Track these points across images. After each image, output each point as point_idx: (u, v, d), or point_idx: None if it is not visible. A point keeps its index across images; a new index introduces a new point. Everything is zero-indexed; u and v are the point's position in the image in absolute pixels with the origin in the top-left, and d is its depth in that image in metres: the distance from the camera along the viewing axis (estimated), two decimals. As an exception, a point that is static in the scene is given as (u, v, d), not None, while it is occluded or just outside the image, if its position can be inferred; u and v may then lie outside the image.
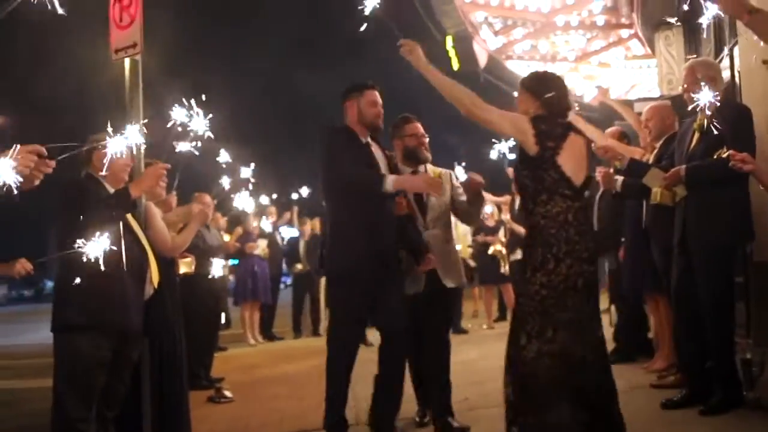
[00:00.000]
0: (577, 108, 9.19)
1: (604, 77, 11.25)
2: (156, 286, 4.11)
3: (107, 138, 4.24)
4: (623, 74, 11.18)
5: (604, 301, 8.40)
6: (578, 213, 3.66)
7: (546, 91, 3.79)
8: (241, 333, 10.89)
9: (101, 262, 3.22)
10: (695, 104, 4.30)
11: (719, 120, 4.38)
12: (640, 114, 7.52)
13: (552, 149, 3.67)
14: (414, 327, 4.61)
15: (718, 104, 4.31)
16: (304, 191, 12.90)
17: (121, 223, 3.77)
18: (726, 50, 6.61)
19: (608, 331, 7.09)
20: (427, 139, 4.83)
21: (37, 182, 2.82)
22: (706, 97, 4.15)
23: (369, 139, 4.58)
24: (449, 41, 10.28)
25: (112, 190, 4.00)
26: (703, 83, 4.42)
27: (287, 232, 12.53)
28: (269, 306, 11.31)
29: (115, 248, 3.46)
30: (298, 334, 11.57)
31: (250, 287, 10.57)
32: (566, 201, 3.64)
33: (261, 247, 10.65)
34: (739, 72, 6.09)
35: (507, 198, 10.53)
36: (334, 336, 4.50)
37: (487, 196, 10.90)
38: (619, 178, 5.10)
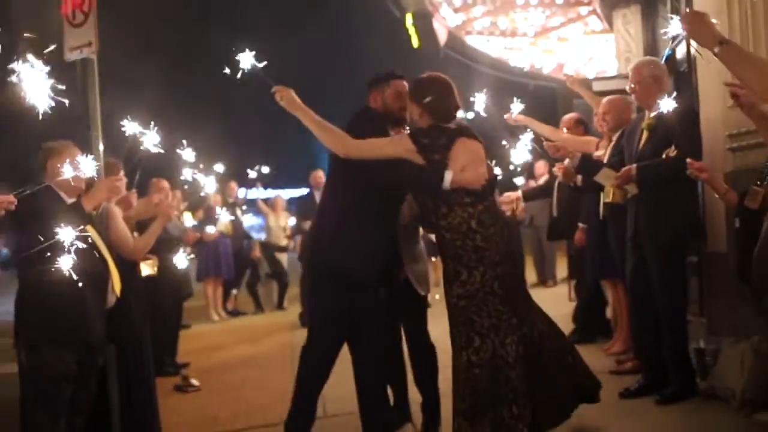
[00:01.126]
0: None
1: (563, 51, 11.33)
2: (119, 294, 4.09)
3: (62, 146, 4.22)
4: (581, 48, 11.25)
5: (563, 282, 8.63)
6: (482, 216, 3.71)
7: (424, 95, 3.83)
8: (204, 305, 10.89)
9: (58, 277, 3.24)
10: (657, 113, 4.44)
11: (666, 119, 4.50)
12: (599, 93, 7.65)
13: (439, 162, 3.69)
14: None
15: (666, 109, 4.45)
16: (265, 169, 12.78)
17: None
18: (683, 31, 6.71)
19: (568, 309, 7.33)
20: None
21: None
22: (666, 105, 4.29)
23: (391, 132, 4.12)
24: (409, 19, 10.24)
25: (68, 200, 3.95)
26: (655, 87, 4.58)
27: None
28: (230, 281, 11.29)
29: (72, 262, 3.47)
30: (260, 310, 11.60)
31: (213, 264, 10.56)
32: (466, 209, 3.69)
33: (223, 223, 10.57)
34: (696, 53, 6.20)
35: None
36: (314, 346, 4.14)
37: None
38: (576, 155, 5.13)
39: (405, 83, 4.12)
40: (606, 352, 5.95)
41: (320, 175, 10.17)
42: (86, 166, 3.96)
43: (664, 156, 4.47)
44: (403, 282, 4.23)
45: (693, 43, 3.11)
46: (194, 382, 6.48)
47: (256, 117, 29.57)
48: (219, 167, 8.30)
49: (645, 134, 4.67)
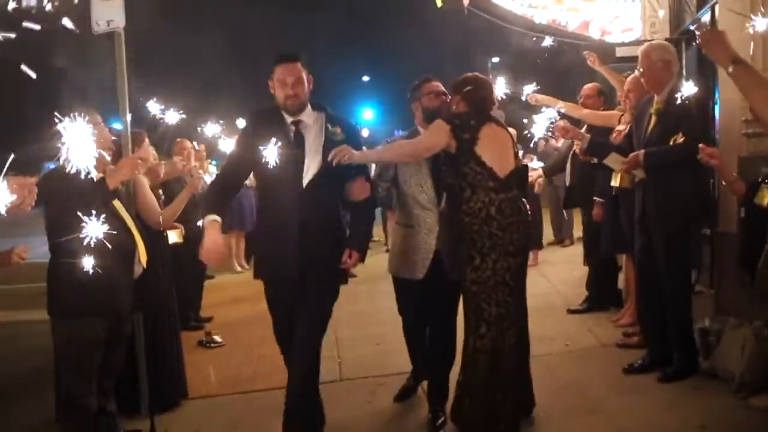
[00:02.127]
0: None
1: (588, 9, 11.16)
2: (145, 265, 4.28)
3: (93, 117, 4.38)
4: (606, 6, 11.08)
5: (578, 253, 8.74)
6: (502, 206, 3.88)
7: (464, 86, 4.10)
8: (227, 256, 11.06)
9: (87, 250, 3.44)
10: (666, 97, 4.50)
11: (674, 104, 4.55)
12: (623, 60, 7.64)
13: (468, 141, 3.91)
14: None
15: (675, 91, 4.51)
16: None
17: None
18: (709, 3, 6.66)
19: (581, 272, 7.49)
20: (449, 98, 4.28)
21: (28, 208, 2.99)
22: (687, 90, 4.44)
23: None
24: (433, -22, 10.16)
25: (95, 175, 4.11)
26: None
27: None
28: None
29: (99, 234, 3.68)
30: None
31: (237, 218, 10.76)
32: (489, 194, 3.87)
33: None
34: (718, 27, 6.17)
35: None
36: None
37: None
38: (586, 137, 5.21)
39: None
40: (614, 324, 6.11)
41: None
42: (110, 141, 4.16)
43: (671, 142, 4.54)
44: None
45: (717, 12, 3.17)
46: (217, 338, 6.72)
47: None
48: (241, 123, 8.46)
49: (653, 119, 4.72)
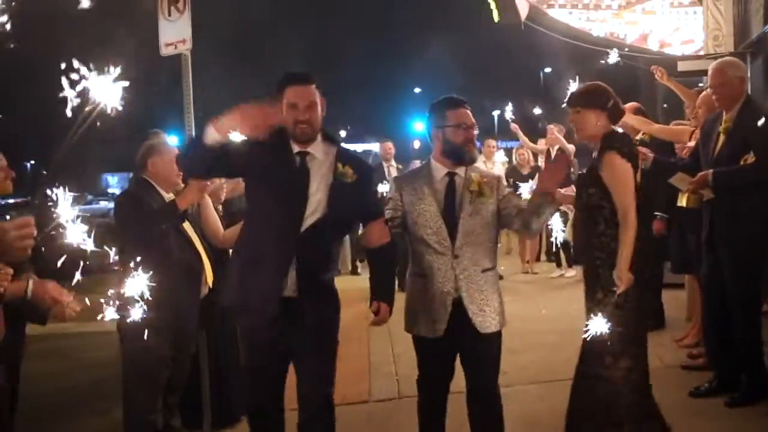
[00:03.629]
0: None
1: (647, 23, 11.05)
2: (211, 285, 4.37)
3: (162, 139, 4.52)
4: (666, 19, 10.95)
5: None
6: (640, 233, 3.69)
7: (606, 100, 3.81)
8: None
9: (157, 270, 3.53)
10: (736, 116, 4.40)
11: (745, 122, 4.45)
12: (684, 74, 7.50)
13: (634, 170, 3.76)
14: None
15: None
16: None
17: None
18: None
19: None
20: (477, 132, 3.75)
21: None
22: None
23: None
24: (490, -6, 10.19)
25: (165, 195, 4.22)
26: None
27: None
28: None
29: (168, 255, 3.79)
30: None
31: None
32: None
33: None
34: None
35: (544, 147, 10.61)
36: None
37: (524, 141, 10.95)
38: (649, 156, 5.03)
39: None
40: (678, 344, 5.99)
41: (390, 147, 10.30)
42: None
43: (742, 162, 4.44)
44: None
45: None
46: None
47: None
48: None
49: (722, 137, 4.63)
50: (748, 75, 7.62)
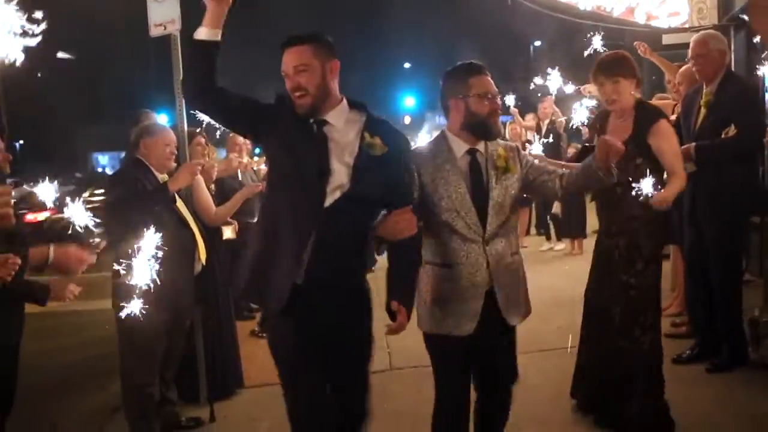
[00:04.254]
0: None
1: (635, -6, 11.05)
2: (204, 263, 4.46)
3: (153, 119, 4.58)
4: (653, -9, 10.95)
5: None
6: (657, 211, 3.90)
7: (636, 70, 3.95)
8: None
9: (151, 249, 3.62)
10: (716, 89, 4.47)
11: (726, 95, 4.53)
12: (670, 47, 7.57)
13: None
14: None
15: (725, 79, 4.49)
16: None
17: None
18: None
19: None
20: (500, 102, 3.35)
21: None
22: None
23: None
24: (477, -31, 10.20)
25: (159, 175, 4.30)
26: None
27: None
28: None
29: (162, 234, 3.87)
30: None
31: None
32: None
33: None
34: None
35: (532, 122, 10.69)
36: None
37: (518, 120, 11.03)
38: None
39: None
40: (662, 313, 6.11)
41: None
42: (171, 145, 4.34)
43: (723, 135, 4.53)
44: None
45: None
46: (269, 327, 6.89)
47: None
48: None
49: (703, 111, 4.71)
50: (731, 48, 7.71)
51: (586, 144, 4.42)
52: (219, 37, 2.85)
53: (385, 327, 2.94)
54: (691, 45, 4.82)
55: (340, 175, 2.90)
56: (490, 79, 3.27)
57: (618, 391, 3.97)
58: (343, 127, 2.98)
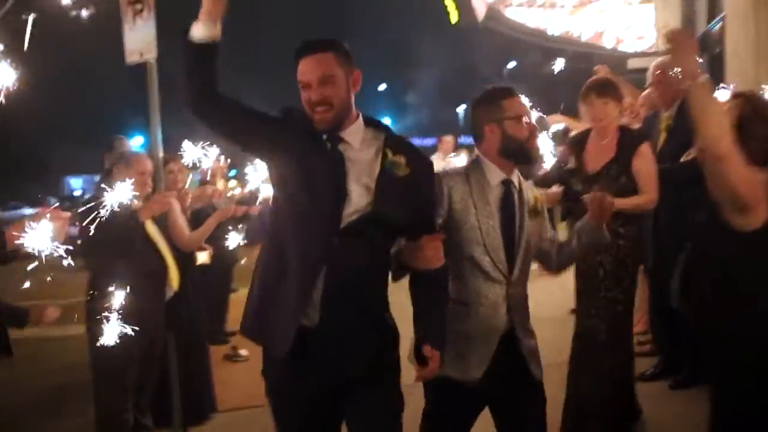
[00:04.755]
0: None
1: (602, 20, 11.35)
2: (176, 289, 4.52)
3: (127, 146, 4.64)
4: (619, 16, 11.27)
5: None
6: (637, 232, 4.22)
7: (622, 96, 4.25)
8: (249, 264, 11.28)
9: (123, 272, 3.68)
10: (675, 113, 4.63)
11: (686, 119, 4.67)
12: (636, 71, 7.78)
13: None
14: None
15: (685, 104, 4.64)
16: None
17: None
18: (719, 15, 6.81)
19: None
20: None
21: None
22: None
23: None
24: (448, -5, 10.43)
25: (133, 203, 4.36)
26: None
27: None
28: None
29: (133, 260, 3.93)
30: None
31: (261, 231, 10.96)
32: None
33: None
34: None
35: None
36: None
37: None
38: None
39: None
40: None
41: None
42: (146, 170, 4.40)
43: (684, 158, 4.66)
44: None
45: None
46: (242, 352, 6.95)
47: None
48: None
49: (663, 135, 4.85)
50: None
51: (562, 164, 4.56)
52: (218, 33, 2.47)
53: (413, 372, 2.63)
54: (650, 70, 4.97)
55: (358, 198, 2.58)
56: (521, 100, 3.07)
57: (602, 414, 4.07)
58: (359, 147, 2.66)
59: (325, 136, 2.64)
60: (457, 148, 11.96)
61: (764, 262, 2.62)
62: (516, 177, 3.06)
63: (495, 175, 3.01)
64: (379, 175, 2.60)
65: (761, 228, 2.59)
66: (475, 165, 3.09)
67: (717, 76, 6.38)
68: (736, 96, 2.96)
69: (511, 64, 26.59)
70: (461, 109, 40.60)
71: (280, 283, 2.60)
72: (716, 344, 2.79)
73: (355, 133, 2.67)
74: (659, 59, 5.19)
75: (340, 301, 2.56)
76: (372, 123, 2.75)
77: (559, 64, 5.73)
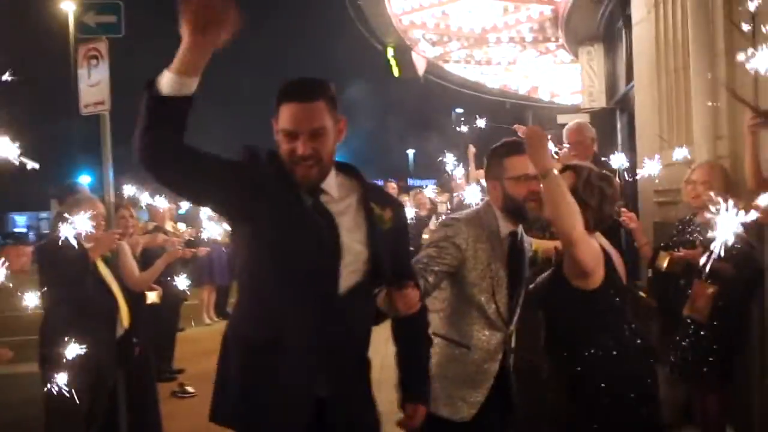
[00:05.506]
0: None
1: (536, 76, 12.06)
2: (126, 326, 4.80)
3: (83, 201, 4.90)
4: (552, 74, 11.97)
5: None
6: None
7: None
8: (197, 306, 11.61)
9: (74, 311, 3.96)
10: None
11: None
12: (563, 126, 8.38)
13: None
14: None
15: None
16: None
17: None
18: (631, 83, 7.45)
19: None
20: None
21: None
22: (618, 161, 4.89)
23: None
24: (390, 51, 10.93)
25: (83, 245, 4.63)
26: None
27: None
28: (225, 286, 11.99)
29: (85, 298, 4.22)
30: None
31: (208, 272, 11.27)
32: None
33: (219, 233, 11.16)
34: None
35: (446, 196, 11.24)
36: None
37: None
38: None
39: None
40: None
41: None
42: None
43: None
44: None
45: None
46: (189, 389, 7.21)
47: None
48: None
49: None
50: (618, 127, 8.59)
51: None
52: (194, 89, 2.07)
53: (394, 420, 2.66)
54: (566, 133, 5.46)
55: (355, 255, 2.41)
56: (527, 158, 2.97)
57: None
58: (338, 196, 2.45)
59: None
60: (405, 191, 12.25)
61: (602, 313, 3.07)
62: (520, 228, 3.16)
63: (505, 226, 3.08)
64: (369, 230, 2.44)
65: (599, 287, 3.03)
66: (488, 211, 3.12)
67: (633, 131, 6.97)
68: (565, 168, 3.19)
69: (460, 109, 27.42)
70: (411, 152, 41.40)
71: (273, 355, 2.36)
72: (569, 382, 3.13)
73: (331, 182, 2.44)
74: (573, 122, 5.70)
75: (346, 364, 2.43)
76: (342, 168, 2.51)
77: (481, 122, 6.19)
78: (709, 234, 2.50)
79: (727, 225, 2.27)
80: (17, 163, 2.63)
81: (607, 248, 3.12)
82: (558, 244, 3.16)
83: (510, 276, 3.06)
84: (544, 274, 3.31)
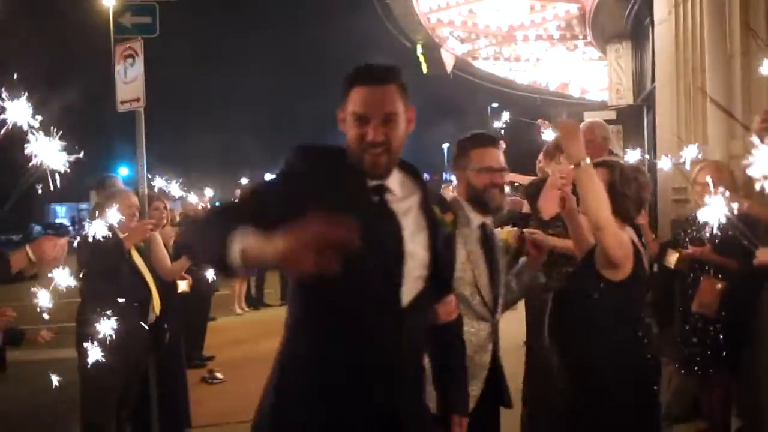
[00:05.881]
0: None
1: (565, 72, 12.08)
2: (158, 313, 5.04)
3: (120, 194, 5.15)
4: (581, 71, 11.99)
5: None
6: None
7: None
8: (228, 294, 11.87)
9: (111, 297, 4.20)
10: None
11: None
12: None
13: None
14: None
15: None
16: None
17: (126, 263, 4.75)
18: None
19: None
20: (507, 177, 3.29)
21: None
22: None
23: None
24: (419, 48, 11.08)
25: (120, 234, 4.89)
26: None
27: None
28: (256, 278, 12.28)
29: (120, 286, 4.45)
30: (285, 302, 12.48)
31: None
32: None
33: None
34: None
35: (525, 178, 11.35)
36: None
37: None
38: None
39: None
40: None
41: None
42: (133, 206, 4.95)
43: None
44: None
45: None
46: (219, 375, 7.47)
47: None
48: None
49: None
50: (644, 124, 8.63)
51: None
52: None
53: None
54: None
55: (418, 261, 2.22)
56: (495, 150, 3.08)
57: None
58: (402, 198, 2.26)
59: (372, 184, 2.20)
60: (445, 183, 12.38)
61: (626, 302, 3.19)
62: (489, 219, 3.17)
63: (475, 217, 3.12)
64: (432, 233, 2.27)
65: (626, 279, 3.15)
66: (456, 203, 3.13)
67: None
68: (600, 164, 3.33)
69: (495, 104, 27.46)
70: (446, 146, 41.50)
71: (340, 368, 2.16)
72: (579, 370, 3.24)
73: (395, 179, 2.26)
74: (589, 120, 5.76)
75: (412, 376, 2.29)
76: (403, 165, 2.32)
77: (505, 116, 6.27)
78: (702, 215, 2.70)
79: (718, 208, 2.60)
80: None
81: (637, 244, 3.24)
82: (527, 231, 3.44)
83: (488, 265, 3.10)
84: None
